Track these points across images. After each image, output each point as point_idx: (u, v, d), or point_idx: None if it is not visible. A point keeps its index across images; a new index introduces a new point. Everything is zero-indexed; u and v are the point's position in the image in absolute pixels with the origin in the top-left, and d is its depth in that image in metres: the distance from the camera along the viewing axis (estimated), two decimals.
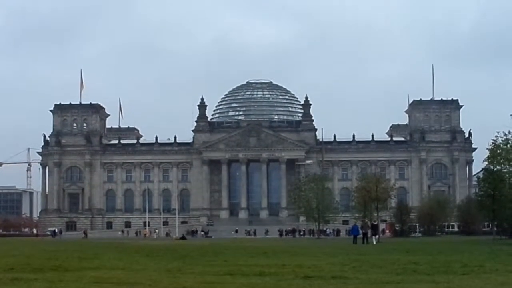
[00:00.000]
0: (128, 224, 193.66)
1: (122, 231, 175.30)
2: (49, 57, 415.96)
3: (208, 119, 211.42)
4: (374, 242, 69.52)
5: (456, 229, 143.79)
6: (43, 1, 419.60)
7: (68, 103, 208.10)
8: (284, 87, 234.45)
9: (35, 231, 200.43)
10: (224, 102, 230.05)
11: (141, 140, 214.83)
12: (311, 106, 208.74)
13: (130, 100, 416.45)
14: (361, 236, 74.08)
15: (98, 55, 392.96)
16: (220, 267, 29.57)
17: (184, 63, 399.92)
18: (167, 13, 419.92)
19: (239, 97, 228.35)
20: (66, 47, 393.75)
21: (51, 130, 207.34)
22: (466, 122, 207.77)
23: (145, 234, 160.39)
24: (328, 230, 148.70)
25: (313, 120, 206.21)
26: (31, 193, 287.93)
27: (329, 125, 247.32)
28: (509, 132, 75.66)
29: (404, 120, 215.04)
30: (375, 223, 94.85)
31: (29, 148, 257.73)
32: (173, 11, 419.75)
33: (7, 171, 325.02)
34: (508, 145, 75.52)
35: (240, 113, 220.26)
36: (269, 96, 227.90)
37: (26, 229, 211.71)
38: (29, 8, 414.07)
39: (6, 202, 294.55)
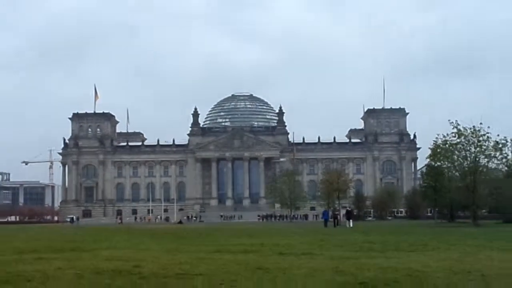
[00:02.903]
0: (134, 211, 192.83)
1: (133, 218, 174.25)
2: (66, 72, 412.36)
3: (200, 125, 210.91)
4: (351, 225, 68.92)
5: (403, 214, 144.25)
6: (60, 30, 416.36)
7: (84, 112, 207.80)
8: (262, 98, 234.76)
9: (56, 218, 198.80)
10: (213, 111, 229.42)
11: (146, 143, 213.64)
12: (284, 114, 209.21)
13: (136, 109, 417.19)
14: (331, 220, 73.95)
15: (110, 73, 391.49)
16: (211, 246, 29.48)
17: (181, 79, 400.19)
18: (166, 38, 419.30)
19: (225, 107, 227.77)
20: (82, 65, 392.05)
21: (70, 135, 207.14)
22: (412, 126, 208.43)
23: (149, 220, 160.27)
24: (297, 215, 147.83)
25: (285, 126, 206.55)
26: (52, 187, 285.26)
27: (299, 130, 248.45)
28: (447, 134, 76.05)
29: (360, 125, 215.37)
30: (350, 209, 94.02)
31: (51, 150, 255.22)
32: (170, 37, 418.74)
33: (33, 169, 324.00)
34: (447, 145, 75.81)
35: (226, 120, 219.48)
36: (250, 106, 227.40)
37: (48, 217, 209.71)
38: (48, 32, 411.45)
39: (32, 194, 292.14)
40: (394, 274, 14.89)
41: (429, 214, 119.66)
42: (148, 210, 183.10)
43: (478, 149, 74.29)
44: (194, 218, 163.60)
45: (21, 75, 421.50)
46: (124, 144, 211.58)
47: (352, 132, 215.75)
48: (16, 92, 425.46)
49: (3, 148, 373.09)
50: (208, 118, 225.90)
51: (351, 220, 74.37)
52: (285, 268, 16.91)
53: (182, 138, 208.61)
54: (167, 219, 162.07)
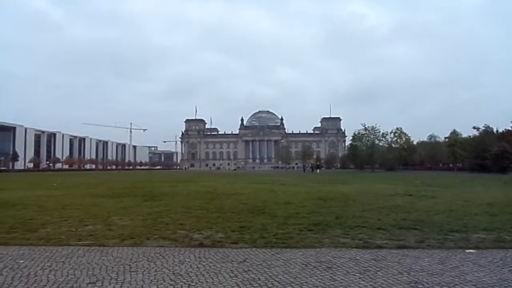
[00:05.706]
0: (213, 164, 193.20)
1: (213, 167, 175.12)
2: (183, 101, 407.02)
3: (244, 125, 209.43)
4: (318, 172, 68.36)
5: (339, 167, 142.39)
6: (178, 81, 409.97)
7: (191, 118, 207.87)
8: (273, 112, 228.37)
9: (178, 167, 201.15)
10: (250, 119, 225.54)
11: (219, 133, 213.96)
12: (283, 119, 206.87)
13: (215, 116, 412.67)
14: (308, 169, 73.34)
15: (204, 100, 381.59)
16: (249, 180, 29.73)
17: (236, 102, 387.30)
18: (232, 84, 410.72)
19: (256, 116, 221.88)
20: (191, 97, 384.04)
21: (184, 128, 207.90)
22: (344, 125, 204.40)
23: (221, 168, 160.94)
24: (289, 167, 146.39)
25: (284, 125, 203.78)
26: (176, 153, 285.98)
27: (290, 126, 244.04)
28: (360, 130, 75.61)
29: (319, 124, 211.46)
30: (318, 163, 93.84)
31: (176, 135, 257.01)
32: (234, 82, 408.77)
33: (168, 144, 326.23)
34: (360, 134, 75.26)
35: (256, 122, 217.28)
36: (267, 116, 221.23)
37: (175, 167, 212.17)
38: (174, 81, 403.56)
39: (167, 156, 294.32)
40: (334, 194, 14.93)
41: (351, 166, 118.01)
42: (220, 164, 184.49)
43: (374, 136, 73.92)
44: (241, 168, 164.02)
45: (165, 104, 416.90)
46: (209, 133, 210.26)
47: (315, 128, 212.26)
48: (163, 110, 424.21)
49: (154, 134, 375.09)
50: (248, 121, 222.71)
51: (318, 169, 74.31)
52: (284, 191, 17.06)
53: (236, 130, 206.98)
54: (228, 168, 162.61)
